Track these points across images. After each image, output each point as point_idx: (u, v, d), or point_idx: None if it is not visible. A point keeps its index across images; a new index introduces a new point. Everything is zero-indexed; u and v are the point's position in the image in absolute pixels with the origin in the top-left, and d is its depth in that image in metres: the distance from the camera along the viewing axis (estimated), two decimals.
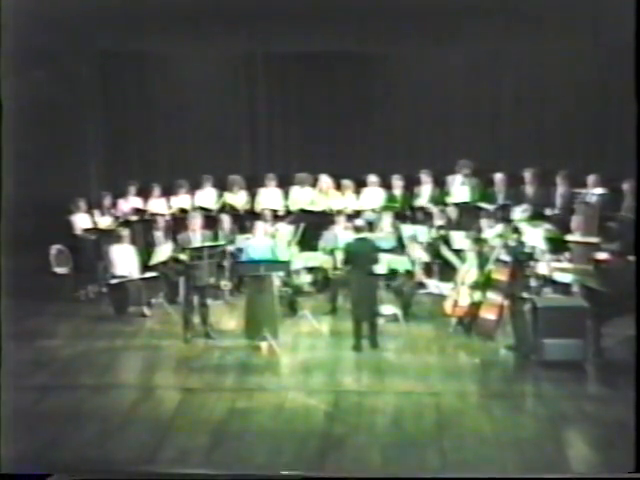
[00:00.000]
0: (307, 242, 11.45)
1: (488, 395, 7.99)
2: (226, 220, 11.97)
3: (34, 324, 10.47)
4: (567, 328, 8.45)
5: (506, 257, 9.25)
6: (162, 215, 12.22)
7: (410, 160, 13.30)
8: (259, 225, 10.05)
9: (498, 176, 12.47)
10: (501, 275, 9.21)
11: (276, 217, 12.16)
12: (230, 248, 11.13)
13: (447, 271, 10.88)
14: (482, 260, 9.72)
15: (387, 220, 11.34)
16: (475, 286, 9.63)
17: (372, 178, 12.73)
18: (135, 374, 9.02)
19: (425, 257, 11.00)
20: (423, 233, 11.36)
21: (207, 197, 12.85)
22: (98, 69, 14.12)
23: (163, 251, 10.67)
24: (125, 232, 11.32)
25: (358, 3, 12.39)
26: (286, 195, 12.86)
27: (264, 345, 9.32)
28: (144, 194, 12.86)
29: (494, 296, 9.31)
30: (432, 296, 11.07)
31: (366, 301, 9.35)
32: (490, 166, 12.76)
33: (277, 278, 10.04)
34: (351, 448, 6.78)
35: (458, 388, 8.11)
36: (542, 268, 9.68)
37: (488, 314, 9.39)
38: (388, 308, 10.29)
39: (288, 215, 12.50)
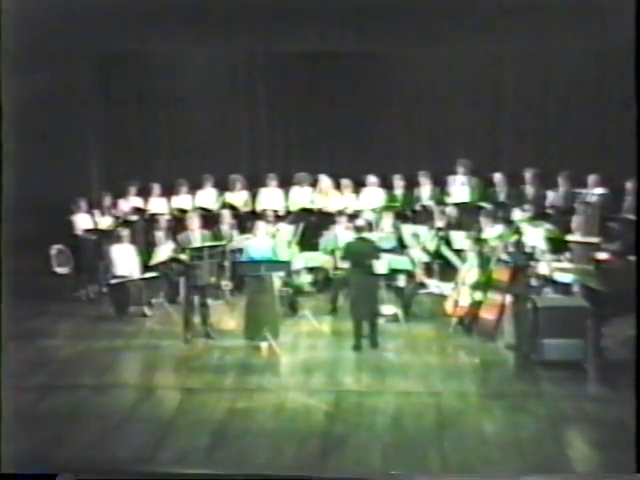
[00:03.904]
0: (307, 242, 11.46)
1: (488, 395, 7.99)
2: (227, 217, 11.95)
3: (35, 324, 10.48)
4: (567, 328, 8.45)
5: (507, 257, 9.25)
6: (162, 215, 12.21)
7: (410, 160, 13.29)
8: (260, 225, 10.03)
9: (498, 176, 12.48)
10: (502, 275, 9.21)
11: (277, 217, 12.16)
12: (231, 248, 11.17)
13: (448, 271, 10.89)
14: (483, 260, 9.73)
15: (387, 220, 11.33)
16: (476, 286, 9.63)
17: (371, 179, 12.72)
18: (135, 374, 9.03)
19: (425, 257, 10.99)
20: (424, 233, 11.35)
21: (207, 197, 12.85)
22: (98, 69, 14.12)
23: (163, 251, 10.68)
24: (125, 232, 11.33)
25: (358, 3, 12.39)
26: (287, 195, 12.86)
27: (264, 345, 9.32)
28: (144, 194, 12.86)
29: (494, 296, 9.32)
30: (433, 296, 11.07)
31: (366, 301, 9.36)
32: (490, 166, 12.77)
33: (277, 278, 10.05)
34: (351, 448, 6.77)
35: (458, 388, 8.11)
36: (542, 268, 9.67)
37: (488, 314, 9.40)
38: (388, 308, 10.30)
39: (288, 215, 12.50)
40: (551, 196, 12.11)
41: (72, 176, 13.33)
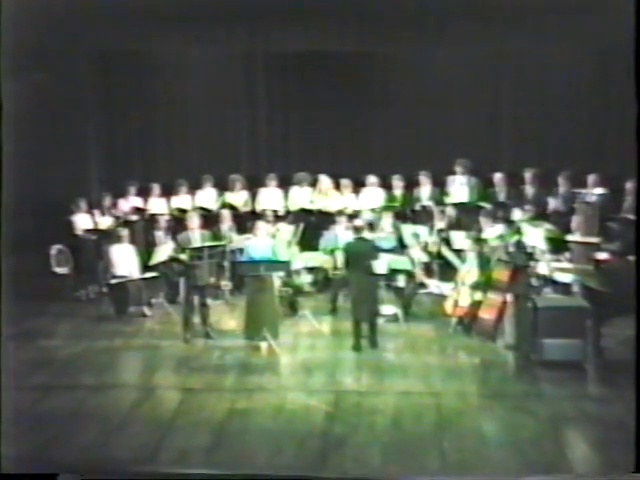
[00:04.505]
0: (307, 242, 11.46)
1: (488, 395, 7.99)
2: (227, 217, 11.96)
3: (34, 324, 10.48)
4: (567, 328, 8.45)
5: (507, 257, 9.25)
6: (162, 215, 12.21)
7: (410, 160, 13.29)
8: (260, 225, 10.03)
9: (498, 176, 12.47)
10: (502, 275, 9.21)
11: (277, 217, 12.16)
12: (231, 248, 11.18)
13: (448, 271, 10.88)
14: (483, 260, 9.73)
15: (387, 220, 11.33)
16: (476, 286, 9.63)
17: (371, 179, 12.72)
18: (135, 374, 9.03)
19: (425, 257, 10.99)
20: (424, 233, 11.35)
21: (207, 197, 12.85)
22: (98, 69, 14.12)
23: (163, 251, 10.68)
24: (125, 232, 11.32)
25: (358, 3, 12.39)
26: (286, 195, 12.86)
27: (264, 345, 9.32)
28: (144, 194, 12.87)
29: (494, 296, 9.32)
30: (432, 296, 11.06)
31: (366, 301, 9.35)
32: (490, 166, 12.77)
33: (277, 278, 10.05)
34: (351, 448, 6.77)
35: (458, 388, 8.11)
36: (542, 268, 9.67)
37: (487, 314, 9.40)
38: (388, 308, 10.30)
39: (288, 215, 12.50)
40: (551, 198, 12.08)
41: (72, 176, 13.34)
